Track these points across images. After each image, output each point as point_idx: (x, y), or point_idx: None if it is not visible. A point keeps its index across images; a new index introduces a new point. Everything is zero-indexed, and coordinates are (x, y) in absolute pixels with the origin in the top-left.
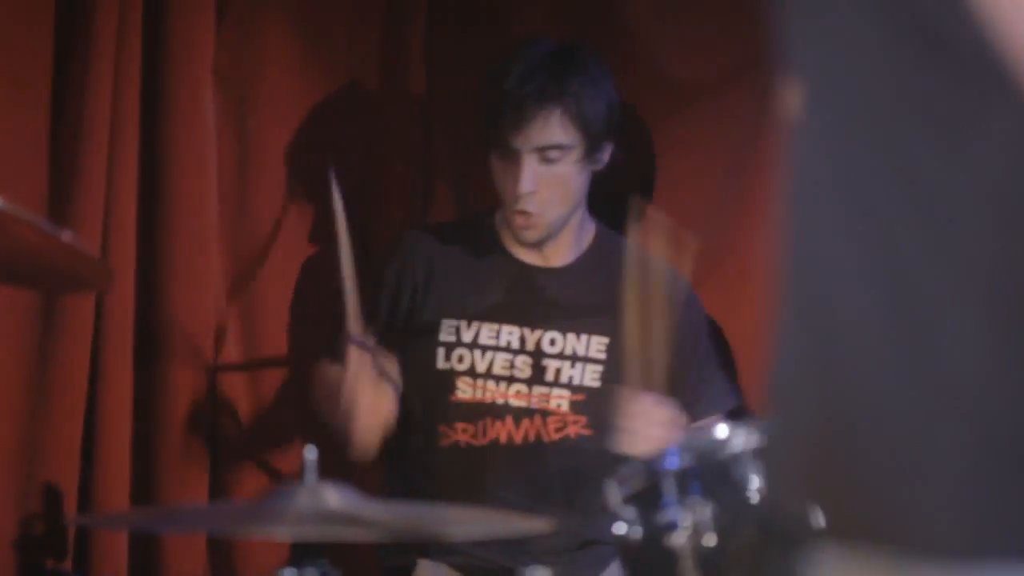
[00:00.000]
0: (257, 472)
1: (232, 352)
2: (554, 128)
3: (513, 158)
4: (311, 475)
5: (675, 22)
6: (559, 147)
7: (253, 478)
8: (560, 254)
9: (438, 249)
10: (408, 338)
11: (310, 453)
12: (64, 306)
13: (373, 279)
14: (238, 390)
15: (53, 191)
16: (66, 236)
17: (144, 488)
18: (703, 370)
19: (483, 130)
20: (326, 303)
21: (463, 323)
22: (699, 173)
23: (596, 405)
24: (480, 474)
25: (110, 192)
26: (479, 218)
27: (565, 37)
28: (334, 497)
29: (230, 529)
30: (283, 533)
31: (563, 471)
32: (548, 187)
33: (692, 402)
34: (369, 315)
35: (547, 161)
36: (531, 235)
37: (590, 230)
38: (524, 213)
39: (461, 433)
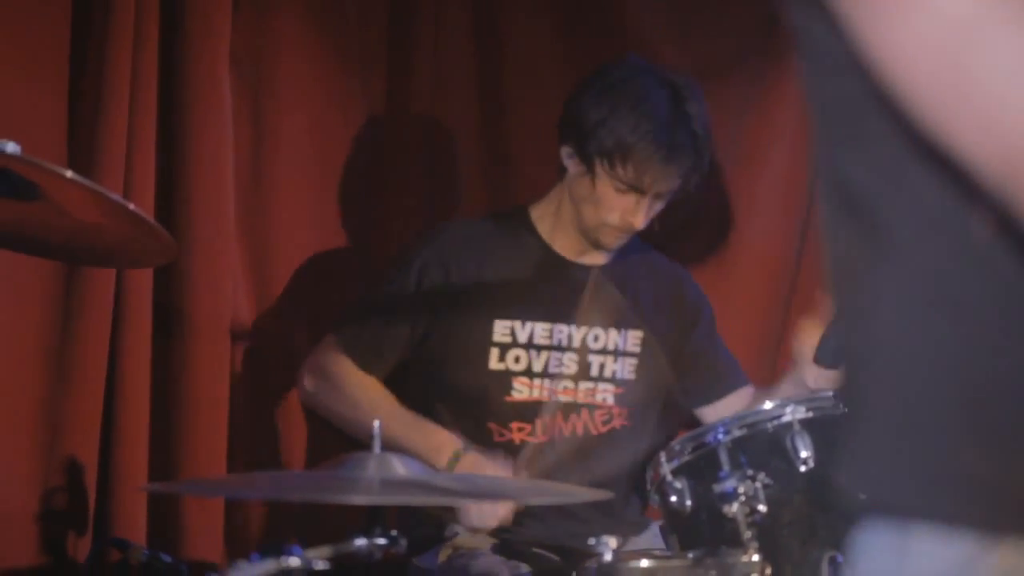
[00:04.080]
0: (273, 447)
1: (248, 329)
2: (677, 177)
3: (629, 193)
4: (378, 445)
5: (671, 11)
6: (673, 190)
7: (270, 453)
8: (600, 253)
9: (482, 244)
10: (446, 328)
11: (377, 425)
12: (85, 282)
13: (400, 263)
14: (254, 366)
15: None
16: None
17: (163, 462)
18: (721, 351)
19: (601, 161)
20: (339, 281)
21: (517, 323)
22: None
23: (633, 397)
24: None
25: (129, 175)
26: (516, 214)
27: (562, 30)
28: (401, 466)
29: (305, 496)
30: (355, 500)
31: (611, 463)
32: (648, 215)
33: (719, 378)
34: (394, 298)
35: (658, 199)
36: (616, 245)
37: None
38: (622, 235)
39: (516, 432)
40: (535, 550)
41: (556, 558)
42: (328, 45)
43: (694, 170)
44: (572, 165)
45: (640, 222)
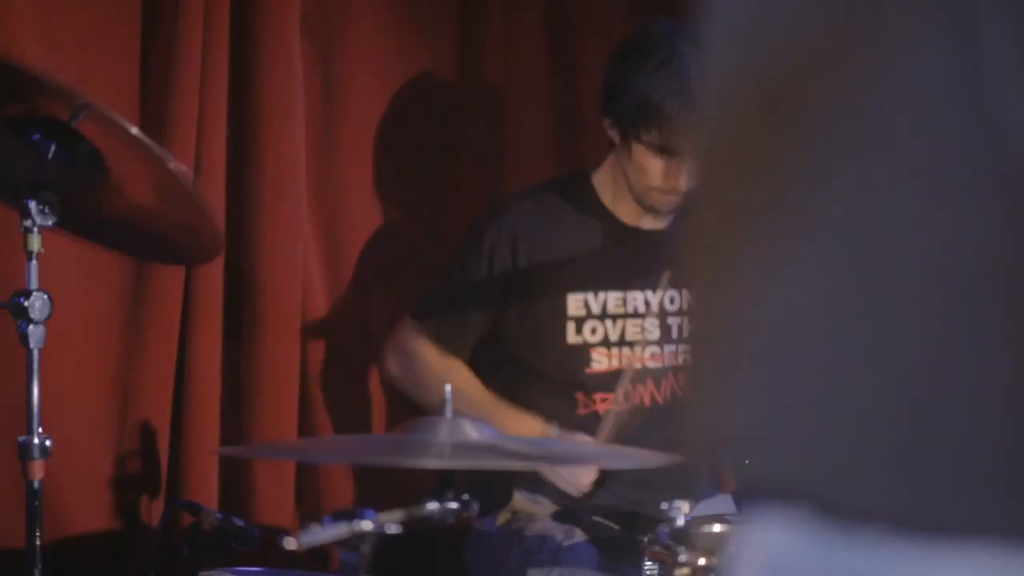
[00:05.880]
0: (344, 412)
1: (319, 297)
2: None
3: (671, 156)
4: (449, 409)
5: None
6: None
7: (340, 419)
8: (659, 217)
9: (548, 219)
10: (520, 306)
11: (448, 390)
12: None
13: (470, 243)
14: (325, 331)
15: None
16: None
17: (234, 426)
18: None
19: (630, 126)
20: (409, 248)
21: (590, 295)
22: None
23: None
24: (624, 437)
25: (200, 142)
26: (576, 181)
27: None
28: (472, 430)
29: (376, 460)
30: (427, 463)
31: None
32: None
33: None
34: (468, 282)
35: None
36: (670, 208)
37: None
38: (672, 197)
39: (600, 403)
40: (595, 519)
41: (616, 527)
42: (399, 9)
43: None
44: (613, 135)
45: (684, 184)
